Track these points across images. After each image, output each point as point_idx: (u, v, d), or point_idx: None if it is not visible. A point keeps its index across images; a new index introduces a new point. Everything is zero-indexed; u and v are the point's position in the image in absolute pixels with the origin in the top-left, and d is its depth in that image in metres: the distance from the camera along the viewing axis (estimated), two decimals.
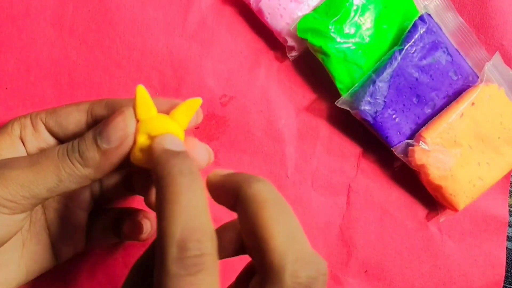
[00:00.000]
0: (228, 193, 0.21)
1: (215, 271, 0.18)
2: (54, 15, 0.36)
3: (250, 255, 0.23)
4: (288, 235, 0.19)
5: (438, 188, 0.37)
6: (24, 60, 0.35)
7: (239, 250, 0.24)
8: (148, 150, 0.23)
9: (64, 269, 0.36)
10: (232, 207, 0.21)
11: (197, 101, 0.24)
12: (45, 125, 0.27)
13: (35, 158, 0.24)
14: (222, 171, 0.23)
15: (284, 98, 0.38)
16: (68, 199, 0.29)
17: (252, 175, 0.21)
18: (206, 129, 0.37)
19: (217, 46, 0.37)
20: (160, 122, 0.23)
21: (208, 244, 0.18)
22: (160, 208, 0.19)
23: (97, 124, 0.26)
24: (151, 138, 0.23)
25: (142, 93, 0.23)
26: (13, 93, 0.35)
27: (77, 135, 0.25)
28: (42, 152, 0.24)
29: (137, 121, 0.24)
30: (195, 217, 0.19)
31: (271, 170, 0.38)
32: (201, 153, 0.24)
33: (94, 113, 0.27)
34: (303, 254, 0.19)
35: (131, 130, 0.23)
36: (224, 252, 0.23)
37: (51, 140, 0.27)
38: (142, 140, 0.23)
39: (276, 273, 0.18)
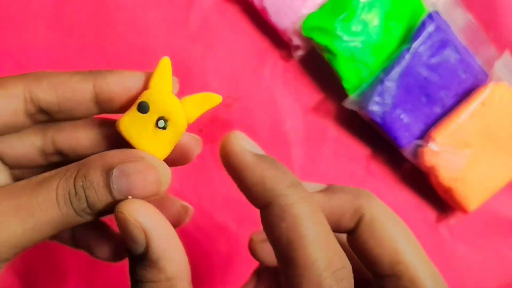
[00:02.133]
0: (340, 216, 0.19)
1: None
2: (52, 17, 0.35)
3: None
4: (421, 257, 0.19)
5: (448, 190, 0.36)
6: (23, 62, 0.35)
7: None
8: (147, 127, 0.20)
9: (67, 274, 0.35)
10: (344, 230, 0.20)
11: (217, 98, 0.21)
12: None
13: (24, 208, 0.18)
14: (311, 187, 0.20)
15: (290, 99, 0.38)
16: None
17: (358, 190, 0.19)
18: (209, 132, 0.37)
19: (220, 46, 0.37)
20: (169, 102, 0.20)
21: (347, 263, 0.17)
22: (289, 235, 0.16)
23: (43, 111, 0.20)
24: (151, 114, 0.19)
25: (165, 65, 0.20)
26: None
27: (18, 128, 0.20)
28: (32, 196, 0.18)
29: (146, 88, 0.20)
30: (330, 238, 0.17)
31: None
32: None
33: (36, 99, 0.20)
34: (435, 271, 0.19)
35: (163, 189, 0.19)
36: None
37: None
38: (141, 113, 0.20)
39: None
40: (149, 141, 0.20)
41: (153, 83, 0.20)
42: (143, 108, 0.19)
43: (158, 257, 0.18)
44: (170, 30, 0.36)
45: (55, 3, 0.35)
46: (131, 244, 0.18)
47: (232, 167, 0.18)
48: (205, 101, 0.21)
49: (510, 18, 0.38)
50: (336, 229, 0.19)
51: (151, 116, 0.19)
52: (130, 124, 0.19)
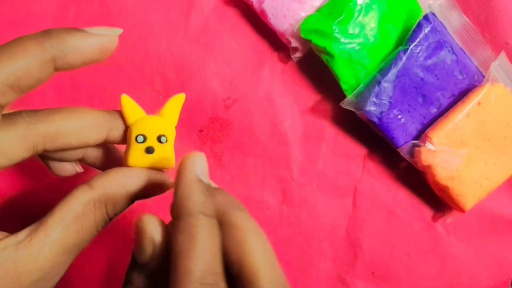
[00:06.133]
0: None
1: None
2: (55, 20, 0.36)
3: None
4: (271, 262, 0.20)
5: (444, 189, 0.37)
6: None
7: None
8: (144, 153, 0.24)
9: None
10: None
11: (181, 97, 0.25)
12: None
13: None
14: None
15: (289, 100, 0.38)
16: None
17: (233, 200, 0.22)
18: (210, 132, 0.37)
19: (220, 48, 0.37)
20: (152, 122, 0.24)
21: (222, 285, 0.20)
22: (183, 246, 0.19)
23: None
24: (148, 140, 0.24)
25: (126, 100, 0.24)
26: None
27: None
28: None
29: (128, 126, 0.24)
30: (214, 260, 0.19)
31: (276, 172, 0.38)
32: None
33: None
34: (284, 280, 0.20)
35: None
36: None
37: None
38: (137, 142, 0.24)
39: None
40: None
41: (129, 117, 0.24)
42: (141, 139, 0.24)
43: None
44: (171, 33, 0.37)
45: (59, 6, 0.36)
46: (138, 252, 0.21)
47: (178, 178, 0.21)
48: (175, 104, 0.25)
49: (506, 20, 0.39)
50: None
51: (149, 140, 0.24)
52: (135, 157, 0.24)
